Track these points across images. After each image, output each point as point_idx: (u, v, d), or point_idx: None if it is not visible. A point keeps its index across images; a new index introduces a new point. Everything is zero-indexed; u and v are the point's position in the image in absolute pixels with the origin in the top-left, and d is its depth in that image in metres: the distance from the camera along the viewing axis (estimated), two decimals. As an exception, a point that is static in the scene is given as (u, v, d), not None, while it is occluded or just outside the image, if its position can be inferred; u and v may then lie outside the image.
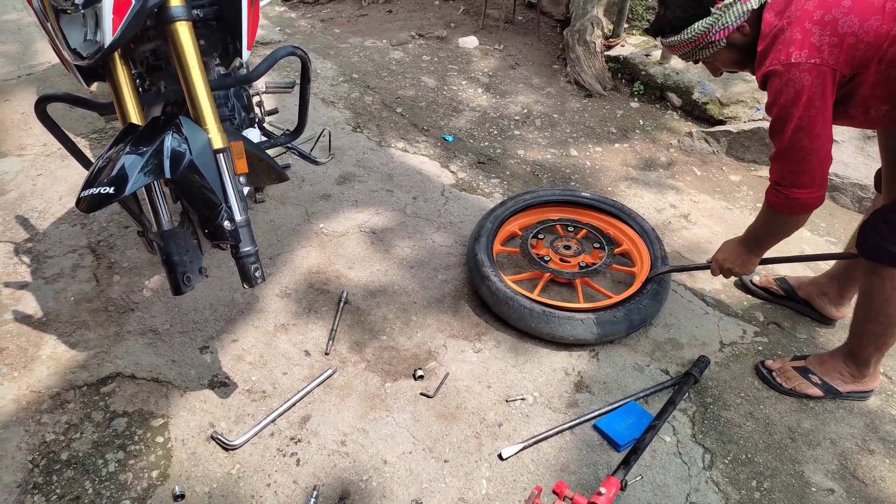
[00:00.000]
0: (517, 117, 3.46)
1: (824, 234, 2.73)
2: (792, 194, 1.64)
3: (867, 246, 1.70)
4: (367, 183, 2.81)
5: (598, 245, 2.37)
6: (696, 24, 1.62)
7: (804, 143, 1.57)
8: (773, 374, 2.00)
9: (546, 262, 2.27)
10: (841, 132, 3.11)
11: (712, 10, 1.60)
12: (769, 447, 1.81)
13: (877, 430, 1.88)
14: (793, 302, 2.29)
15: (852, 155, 3.00)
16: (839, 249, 2.64)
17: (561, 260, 2.30)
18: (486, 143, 3.21)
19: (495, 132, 3.32)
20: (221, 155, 1.51)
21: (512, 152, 3.16)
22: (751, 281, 2.36)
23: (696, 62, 1.73)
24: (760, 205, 2.88)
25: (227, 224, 1.50)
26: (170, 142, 1.42)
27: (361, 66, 3.87)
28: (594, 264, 2.27)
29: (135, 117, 1.56)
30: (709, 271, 2.08)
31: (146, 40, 1.64)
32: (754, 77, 1.68)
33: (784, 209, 1.69)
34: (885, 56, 1.48)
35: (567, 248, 2.34)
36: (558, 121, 3.47)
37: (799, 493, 1.70)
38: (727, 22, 1.60)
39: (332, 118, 3.28)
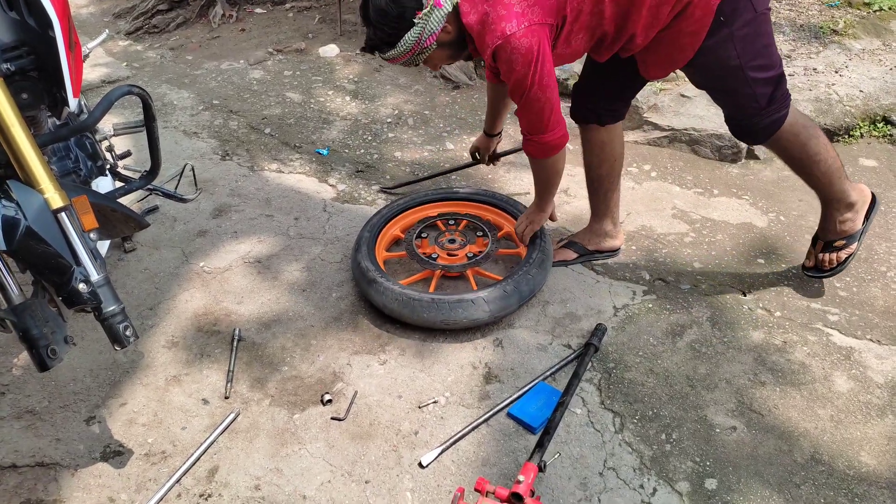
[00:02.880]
0: (389, 120, 3.44)
1: (692, 187, 2.88)
2: (541, 140, 1.94)
3: (755, 133, 2.02)
4: (244, 212, 2.70)
5: (481, 233, 2.39)
6: (406, 36, 1.83)
7: (539, 96, 1.84)
8: (818, 266, 2.22)
9: (434, 259, 2.27)
10: (690, 88, 3.30)
11: (415, 20, 1.81)
12: (672, 399, 1.89)
13: (764, 362, 2.01)
14: (590, 256, 2.42)
15: (704, 108, 3.18)
16: (706, 200, 2.80)
17: (448, 254, 2.31)
18: (362, 151, 3.17)
19: (369, 138, 3.28)
20: (63, 214, 1.39)
21: (389, 156, 3.13)
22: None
23: (415, 66, 1.97)
24: (632, 168, 3.02)
25: (82, 287, 1.39)
26: (-1, 210, 1.29)
27: (221, 90, 3.72)
28: (482, 252, 2.29)
29: (-43, 190, 1.41)
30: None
31: (-45, 103, 1.49)
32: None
33: (540, 154, 1.99)
34: None
35: (452, 241, 2.35)
36: (430, 117, 3.48)
37: (705, 437, 1.79)
38: (432, 27, 1.83)
39: (196, 149, 3.14)
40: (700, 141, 3.09)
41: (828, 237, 2.18)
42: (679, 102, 3.24)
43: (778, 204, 2.75)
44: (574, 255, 2.38)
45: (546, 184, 2.13)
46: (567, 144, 2.00)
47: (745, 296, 2.26)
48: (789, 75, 3.47)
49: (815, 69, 3.46)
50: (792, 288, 2.30)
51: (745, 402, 1.88)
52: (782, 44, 3.69)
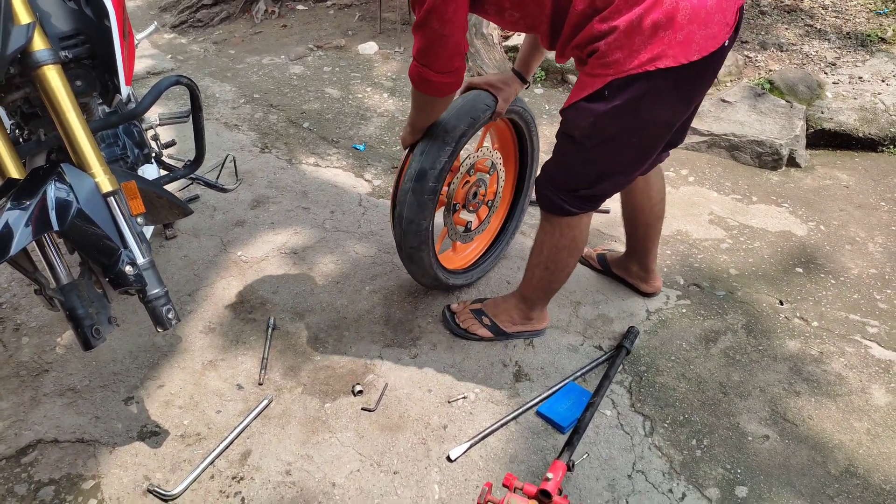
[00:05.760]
0: (426, 117, 3.46)
1: (730, 193, 2.85)
2: (426, 74, 1.66)
3: (539, 197, 1.83)
4: (281, 203, 2.75)
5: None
6: None
7: (435, 25, 1.56)
8: (455, 316, 2.12)
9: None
10: (731, 93, 3.26)
11: None
12: (704, 405, 1.88)
13: (800, 371, 1.98)
14: (611, 276, 2.36)
15: (745, 114, 3.14)
16: (744, 206, 2.76)
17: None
18: (398, 148, 3.20)
19: (406, 135, 3.31)
20: (113, 198, 1.43)
21: (425, 153, 3.15)
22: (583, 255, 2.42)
23: None
24: (669, 173, 3.00)
25: (129, 269, 1.43)
26: (53, 192, 1.34)
27: (262, 84, 3.79)
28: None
29: (14, 171, 1.46)
30: None
31: (14, 89, 1.54)
32: None
33: (419, 86, 1.71)
34: None
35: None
36: (466, 116, 3.48)
37: (737, 445, 1.77)
38: None
39: (237, 141, 3.20)
40: (740, 147, 3.05)
41: (488, 309, 2.09)
42: (719, 107, 3.20)
43: (818, 213, 2.70)
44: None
45: (416, 114, 1.89)
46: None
47: (781, 304, 2.23)
48: (833, 83, 3.41)
49: (860, 78, 3.39)
50: (830, 298, 2.26)
51: (778, 412, 1.86)
52: (827, 51, 3.62)
